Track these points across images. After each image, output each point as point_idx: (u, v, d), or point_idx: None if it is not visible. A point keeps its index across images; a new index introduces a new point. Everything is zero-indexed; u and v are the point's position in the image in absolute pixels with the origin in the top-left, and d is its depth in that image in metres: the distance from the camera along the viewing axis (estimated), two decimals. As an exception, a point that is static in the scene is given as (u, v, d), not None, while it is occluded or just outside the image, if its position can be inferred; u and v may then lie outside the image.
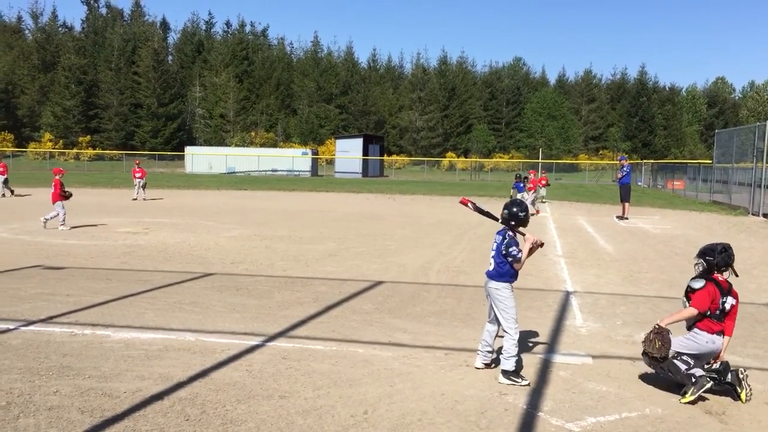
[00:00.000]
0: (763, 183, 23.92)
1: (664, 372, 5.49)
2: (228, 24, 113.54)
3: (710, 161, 38.98)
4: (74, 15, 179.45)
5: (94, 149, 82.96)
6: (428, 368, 5.99)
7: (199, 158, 66.76)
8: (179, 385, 5.38)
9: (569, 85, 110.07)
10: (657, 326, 5.53)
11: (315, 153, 71.47)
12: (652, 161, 66.70)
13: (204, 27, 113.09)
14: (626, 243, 15.71)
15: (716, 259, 5.60)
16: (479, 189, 41.80)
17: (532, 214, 21.81)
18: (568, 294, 9.59)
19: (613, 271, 11.74)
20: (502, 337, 5.83)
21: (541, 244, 5.98)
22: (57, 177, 17.17)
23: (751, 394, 5.32)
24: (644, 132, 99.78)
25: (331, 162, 73.51)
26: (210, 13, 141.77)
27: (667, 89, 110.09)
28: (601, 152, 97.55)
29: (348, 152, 65.17)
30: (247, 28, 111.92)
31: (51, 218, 16.33)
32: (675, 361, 5.39)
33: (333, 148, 75.00)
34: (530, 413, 4.99)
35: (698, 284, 5.53)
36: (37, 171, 56.44)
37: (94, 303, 8.27)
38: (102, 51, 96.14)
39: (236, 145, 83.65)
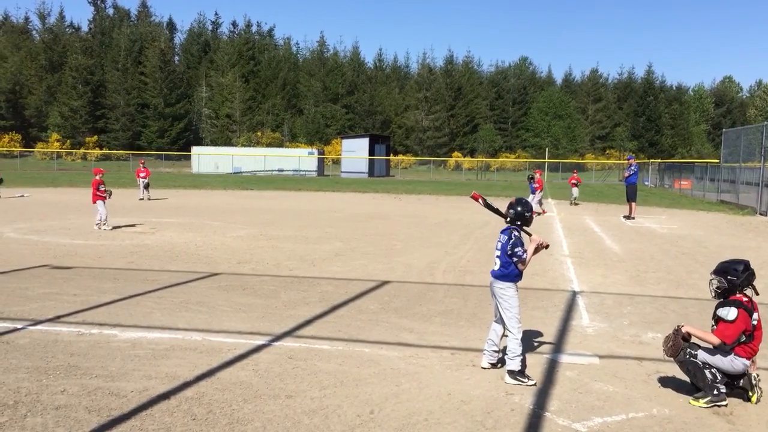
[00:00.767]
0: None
1: (688, 373, 5.39)
2: (234, 24, 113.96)
3: (717, 161, 38.79)
4: (81, 16, 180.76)
5: (101, 149, 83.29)
6: (434, 368, 5.98)
7: (206, 158, 66.90)
8: (186, 385, 5.40)
9: (576, 84, 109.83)
10: (677, 328, 5.45)
11: (321, 153, 71.54)
12: (659, 161, 66.46)
13: (210, 27, 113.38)
14: (633, 243, 15.66)
15: (740, 279, 5.30)
16: (486, 189, 41.74)
17: (539, 214, 21.91)
18: (574, 294, 9.56)
19: (619, 271, 11.71)
20: (507, 336, 5.83)
21: (546, 246, 5.97)
22: (96, 177, 17.04)
23: (761, 397, 5.29)
24: (651, 131, 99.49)
25: (337, 162, 73.58)
26: (216, 14, 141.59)
27: (674, 88, 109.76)
28: (607, 152, 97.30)
29: (354, 152, 65.22)
30: (254, 28, 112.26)
31: (106, 221, 16.36)
32: (705, 371, 5.24)
33: (339, 148, 75.08)
34: (537, 413, 4.98)
35: (731, 316, 5.19)
36: (44, 171, 56.63)
37: (101, 303, 8.29)
38: (109, 51, 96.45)
39: (242, 145, 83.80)
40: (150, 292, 9.07)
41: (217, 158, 66.48)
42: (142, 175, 28.20)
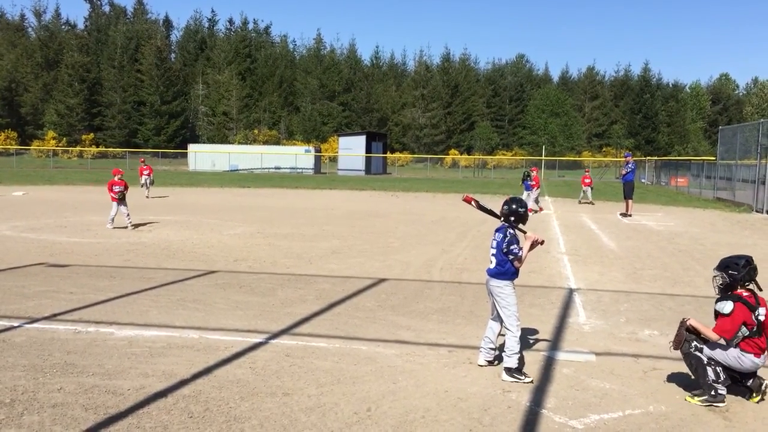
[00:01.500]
0: (767, 180, 23.85)
1: (691, 367, 5.35)
2: (231, 22, 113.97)
3: (714, 158, 38.84)
4: (77, 13, 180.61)
5: (98, 147, 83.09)
6: (431, 365, 5.99)
7: (202, 156, 66.80)
8: (183, 383, 5.39)
9: (572, 82, 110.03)
10: (683, 320, 5.42)
11: (318, 150, 71.47)
12: (656, 158, 66.57)
13: (207, 25, 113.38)
14: (629, 240, 15.69)
15: (741, 274, 5.27)
16: (482, 186, 41.77)
17: (535, 212, 21.93)
18: (571, 291, 9.57)
19: (616, 268, 11.72)
20: (505, 334, 5.84)
21: (542, 242, 5.97)
22: (114, 178, 16.84)
23: (762, 400, 5.25)
24: (648, 129, 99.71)
25: (334, 159, 73.53)
26: (213, 11, 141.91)
27: (671, 86, 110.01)
28: (604, 149, 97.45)
29: (351, 149, 65.17)
30: (250, 26, 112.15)
31: (130, 219, 16.27)
32: (708, 368, 5.19)
33: (336, 146, 75.06)
34: (533, 410, 4.99)
35: (727, 309, 5.17)
36: (40, 169, 56.50)
37: (98, 300, 8.28)
38: (105, 49, 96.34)
39: (239, 142, 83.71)
40: (146, 290, 9.06)
41: (214, 156, 66.39)
42: (145, 173, 28.08)
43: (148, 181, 27.72)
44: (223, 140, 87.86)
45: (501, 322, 5.90)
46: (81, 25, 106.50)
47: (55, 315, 7.52)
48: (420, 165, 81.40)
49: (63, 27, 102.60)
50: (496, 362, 5.94)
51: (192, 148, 70.59)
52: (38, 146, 79.74)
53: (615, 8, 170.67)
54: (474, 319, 7.63)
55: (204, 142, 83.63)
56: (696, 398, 5.20)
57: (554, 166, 67.63)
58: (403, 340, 6.80)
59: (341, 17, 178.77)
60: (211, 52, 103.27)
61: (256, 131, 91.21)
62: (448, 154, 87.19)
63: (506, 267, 5.78)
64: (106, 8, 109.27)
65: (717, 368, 5.19)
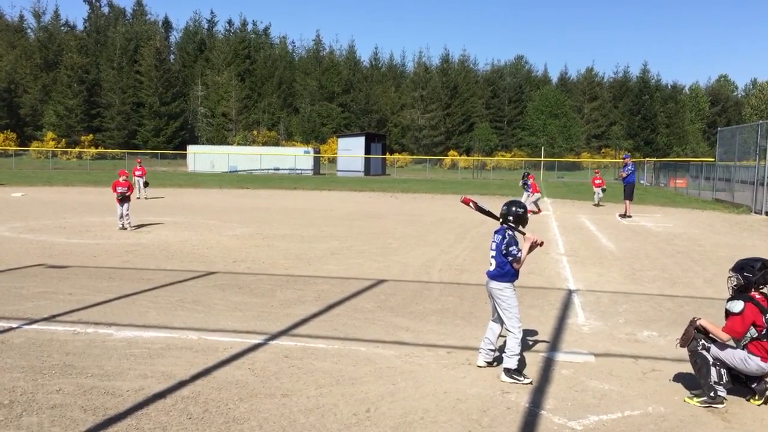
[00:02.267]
0: (766, 181, 23.86)
1: (695, 366, 5.32)
2: (230, 23, 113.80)
3: (713, 159, 38.88)
4: (76, 14, 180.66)
5: (97, 148, 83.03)
6: (430, 366, 5.99)
7: (201, 157, 66.78)
8: (182, 384, 5.39)
9: (571, 83, 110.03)
10: (693, 320, 5.41)
11: (317, 152, 71.45)
12: (655, 159, 66.60)
13: (206, 26, 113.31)
14: (628, 241, 15.69)
15: (756, 276, 5.24)
16: (481, 187, 41.78)
17: (535, 213, 21.93)
18: (570, 292, 9.58)
19: (615, 269, 11.73)
20: (505, 336, 5.84)
21: (541, 243, 5.97)
22: (119, 179, 16.75)
23: (764, 403, 5.23)
24: (646, 130, 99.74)
25: (333, 160, 73.50)
26: (212, 12, 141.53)
27: (670, 87, 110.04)
28: (603, 150, 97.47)
29: (350, 151, 65.15)
30: (249, 27, 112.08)
31: (128, 221, 16.23)
32: (713, 369, 5.17)
33: (335, 147, 75.02)
34: (533, 411, 4.99)
35: (737, 308, 5.17)
36: (39, 170, 56.48)
37: (97, 302, 8.28)
38: (104, 50, 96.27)
39: (238, 143, 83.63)
40: (145, 291, 9.06)
41: (213, 157, 66.37)
42: (138, 173, 28.15)
43: (141, 182, 27.72)
44: (223, 141, 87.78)
45: (501, 323, 5.90)
46: (80, 27, 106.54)
47: (53, 316, 7.52)
48: (419, 166, 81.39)
49: (62, 28, 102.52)
50: (495, 363, 5.94)
51: (191, 149, 70.55)
52: (37, 147, 79.63)
53: (614, 9, 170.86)
54: (473, 320, 7.63)
55: (203, 144, 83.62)
56: (695, 399, 5.20)
57: (553, 167, 67.63)
58: (402, 341, 6.80)
59: (340, 18, 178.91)
60: (210, 53, 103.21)
61: (255, 132, 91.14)
62: (447, 156, 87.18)
63: (506, 269, 5.78)
64: (106, 9, 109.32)
65: (721, 370, 5.18)
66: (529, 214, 6.16)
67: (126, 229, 15.99)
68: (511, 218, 5.86)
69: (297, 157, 66.05)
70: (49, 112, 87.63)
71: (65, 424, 4.55)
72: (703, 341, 5.30)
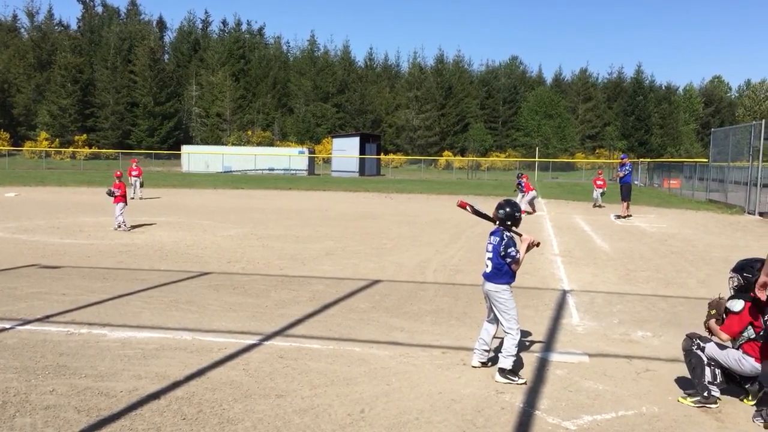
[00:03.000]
0: (759, 182, 23.96)
1: (689, 365, 5.35)
2: (224, 23, 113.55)
3: (706, 160, 39.03)
4: (70, 14, 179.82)
5: (90, 148, 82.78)
6: (425, 367, 5.99)
7: (196, 157, 66.62)
8: (176, 384, 5.38)
9: (566, 83, 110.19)
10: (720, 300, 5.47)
11: (312, 152, 71.34)
12: (649, 160, 66.75)
13: (200, 26, 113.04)
14: (622, 242, 15.73)
15: (756, 276, 5.18)
16: (476, 188, 41.81)
17: (529, 213, 21.96)
18: (564, 292, 9.60)
19: (609, 269, 11.76)
20: (500, 337, 5.84)
21: (537, 244, 5.98)
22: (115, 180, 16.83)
23: (756, 403, 5.25)
24: (641, 131, 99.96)
25: (327, 161, 73.43)
26: (206, 12, 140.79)
27: (664, 88, 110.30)
28: (597, 151, 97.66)
29: (345, 151, 65.08)
30: (243, 27, 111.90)
31: (120, 221, 16.16)
32: (707, 368, 5.19)
33: (330, 147, 74.93)
34: (527, 412, 5.00)
35: (737, 306, 5.22)
36: (33, 170, 56.27)
37: (91, 302, 8.25)
38: (98, 50, 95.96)
39: (233, 144, 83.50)
40: (139, 291, 9.04)
41: (208, 157, 66.20)
42: (134, 173, 28.08)
43: (137, 183, 27.67)
44: (217, 141, 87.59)
45: (496, 324, 5.91)
46: (74, 26, 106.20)
47: (47, 316, 7.49)
48: (414, 166, 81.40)
49: (56, 28, 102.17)
50: (490, 364, 5.95)
51: (185, 149, 70.35)
52: (31, 147, 79.32)
53: (608, 10, 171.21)
54: (468, 321, 7.63)
55: (197, 144, 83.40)
56: (689, 399, 5.22)
57: (547, 167, 67.74)
58: (397, 341, 6.80)
59: (335, 18, 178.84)
60: (204, 53, 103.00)
61: (249, 132, 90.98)
62: (441, 156, 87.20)
63: (503, 270, 5.78)
64: (99, 9, 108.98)
65: (716, 370, 5.21)
66: (522, 215, 6.17)
67: (119, 229, 15.93)
68: (507, 221, 5.86)
69: (292, 157, 65.96)
70: (42, 112, 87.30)
71: (59, 425, 4.53)
72: (698, 340, 5.33)
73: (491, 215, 5.98)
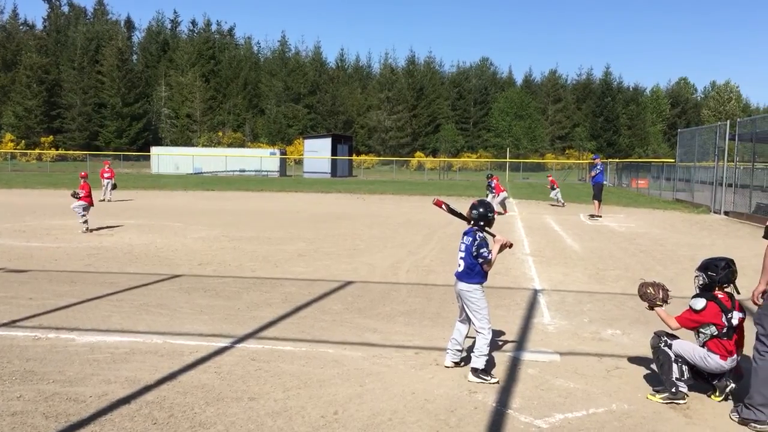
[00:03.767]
0: (725, 181, 24.44)
1: (657, 362, 5.44)
2: (194, 23, 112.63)
3: (673, 160, 39.66)
4: (35, 13, 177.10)
5: (57, 150, 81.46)
6: (398, 368, 6.00)
7: (165, 159, 65.93)
8: (146, 389, 5.31)
9: (536, 85, 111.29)
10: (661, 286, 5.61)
11: (283, 153, 71.00)
12: (617, 160, 67.67)
13: (169, 26, 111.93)
14: (593, 241, 15.92)
15: (719, 275, 5.37)
16: (448, 188, 41.97)
17: (501, 214, 22.11)
18: (536, 292, 9.68)
19: (579, 269, 11.89)
20: (473, 336, 5.87)
21: (510, 245, 6.02)
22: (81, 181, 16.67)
23: (724, 399, 5.34)
24: (609, 131, 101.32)
25: (299, 162, 73.15)
26: (175, 12, 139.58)
27: (632, 89, 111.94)
28: (567, 152, 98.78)
29: (316, 152, 64.88)
30: (213, 27, 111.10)
31: (82, 221, 15.96)
32: (674, 365, 5.28)
33: (301, 148, 74.64)
34: (499, 411, 5.03)
35: (698, 305, 5.32)
36: (-3, 172, 55.17)
37: (58, 306, 8.12)
38: (64, 50, 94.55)
39: (203, 145, 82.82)
40: (109, 294, 8.91)
41: (177, 159, 65.56)
42: (106, 175, 27.69)
43: (108, 185, 27.30)
44: (187, 143, 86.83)
45: (468, 324, 5.94)
46: (39, 26, 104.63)
47: (13, 321, 7.35)
48: (386, 167, 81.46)
49: (21, 27, 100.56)
50: (463, 363, 5.97)
51: (155, 150, 69.58)
52: (-5, 149, 77.90)
53: (577, 12, 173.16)
54: (440, 321, 7.66)
55: (167, 145, 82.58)
56: (657, 395, 5.30)
57: (518, 168, 68.28)
58: (370, 342, 6.80)
59: (306, 19, 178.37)
60: (173, 53, 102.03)
61: (220, 134, 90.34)
62: (413, 157, 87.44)
63: (475, 270, 5.81)
64: (65, 8, 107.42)
65: (683, 366, 5.29)
66: (495, 215, 6.21)
67: (84, 231, 15.73)
68: (481, 222, 5.89)
69: (263, 158, 65.60)
70: (7, 113, 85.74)
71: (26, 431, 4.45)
72: (665, 337, 5.42)
73: (466, 214, 6.01)
